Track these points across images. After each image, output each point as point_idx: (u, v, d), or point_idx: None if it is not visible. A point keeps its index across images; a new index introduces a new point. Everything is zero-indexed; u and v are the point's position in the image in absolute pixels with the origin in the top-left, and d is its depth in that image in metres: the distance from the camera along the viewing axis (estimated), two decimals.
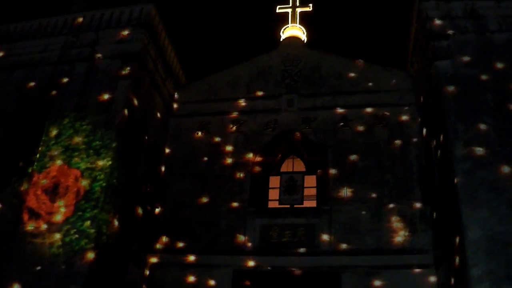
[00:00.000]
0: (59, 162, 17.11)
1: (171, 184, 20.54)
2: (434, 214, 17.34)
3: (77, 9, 21.15)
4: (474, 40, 16.89)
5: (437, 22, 17.42)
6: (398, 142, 19.49)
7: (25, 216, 16.32)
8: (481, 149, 14.85)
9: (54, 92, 18.84)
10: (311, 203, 19.34)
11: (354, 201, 18.69)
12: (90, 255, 15.12)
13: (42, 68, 19.66)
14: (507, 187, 14.19)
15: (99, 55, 19.20)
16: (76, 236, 15.51)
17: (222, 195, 19.88)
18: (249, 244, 18.72)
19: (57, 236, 15.65)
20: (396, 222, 17.97)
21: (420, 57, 18.73)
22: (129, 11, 20.02)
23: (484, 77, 16.06)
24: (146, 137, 19.49)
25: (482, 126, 15.19)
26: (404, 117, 19.94)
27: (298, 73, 22.22)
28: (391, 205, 18.31)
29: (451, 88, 16.03)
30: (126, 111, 17.76)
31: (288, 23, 24.27)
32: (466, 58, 16.53)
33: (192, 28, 44.11)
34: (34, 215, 16.27)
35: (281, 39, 23.79)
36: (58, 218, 15.99)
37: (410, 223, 17.87)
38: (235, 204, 19.56)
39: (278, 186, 19.80)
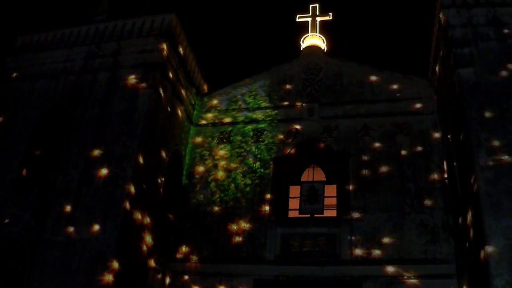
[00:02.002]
0: (81, 170, 17.26)
1: (193, 193, 20.60)
2: (457, 224, 17.16)
3: (99, 19, 21.37)
4: (496, 48, 16.72)
5: (459, 29, 17.31)
6: (419, 150, 19.37)
7: (49, 224, 16.50)
8: (504, 157, 14.68)
9: (77, 102, 19.05)
10: (332, 213, 19.27)
11: (375, 210, 18.58)
12: (112, 263, 15.20)
13: (65, 78, 19.92)
14: None
15: (121, 64, 19.39)
16: (99, 243, 15.63)
17: (243, 204, 19.89)
18: (270, 253, 18.67)
19: (79, 244, 15.77)
20: (418, 231, 17.82)
21: (442, 65, 18.62)
22: (151, 21, 20.16)
23: (506, 84, 15.90)
24: (168, 146, 19.57)
25: (506, 134, 15.03)
26: (426, 126, 19.82)
27: (319, 82, 22.19)
28: (413, 214, 18.17)
29: (473, 96, 15.88)
30: (148, 120, 17.89)
31: (308, 32, 24.29)
32: (488, 66, 16.38)
33: (213, 37, 44.33)
34: (57, 222, 16.43)
35: (301, 48, 23.80)
36: (81, 226, 16.12)
37: (432, 232, 17.72)
38: (256, 213, 19.54)
39: (299, 195, 19.79)
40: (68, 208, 16.57)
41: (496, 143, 14.95)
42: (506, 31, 17.03)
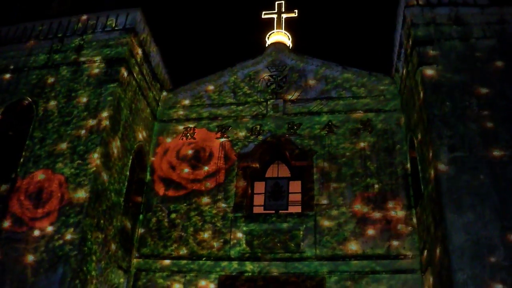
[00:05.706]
0: (43, 167, 17.00)
1: (157, 189, 20.46)
2: (419, 219, 17.41)
3: (63, 13, 21.05)
4: (458, 46, 17.08)
5: (422, 28, 17.60)
6: (383, 147, 19.58)
7: (8, 222, 16.16)
8: (466, 154, 14.98)
9: (39, 97, 18.75)
10: (296, 209, 19.34)
11: (339, 206, 18.71)
12: (74, 261, 15.01)
13: (28, 72, 19.53)
14: (491, 191, 14.31)
15: (84, 59, 19.16)
16: (60, 242, 15.37)
17: (207, 200, 19.81)
18: (235, 250, 18.65)
19: (41, 242, 15.50)
20: (381, 227, 18.01)
21: (405, 62, 18.85)
22: (115, 15, 19.98)
23: (468, 82, 16.24)
24: (132, 142, 19.41)
25: (467, 132, 15.33)
26: (390, 123, 20.06)
27: (284, 79, 22.26)
28: (376, 210, 18.35)
29: (436, 94, 16.19)
30: (111, 116, 17.70)
31: (273, 29, 24.34)
32: (450, 64, 16.71)
33: (178, 33, 44.11)
34: (17, 220, 16.09)
35: (267, 45, 23.84)
36: (42, 223, 15.83)
37: (395, 228, 17.92)
38: (220, 210, 19.51)
39: (263, 191, 19.86)
40: (29, 206, 16.26)
41: (457, 140, 15.25)
42: (468, 30, 17.41)
